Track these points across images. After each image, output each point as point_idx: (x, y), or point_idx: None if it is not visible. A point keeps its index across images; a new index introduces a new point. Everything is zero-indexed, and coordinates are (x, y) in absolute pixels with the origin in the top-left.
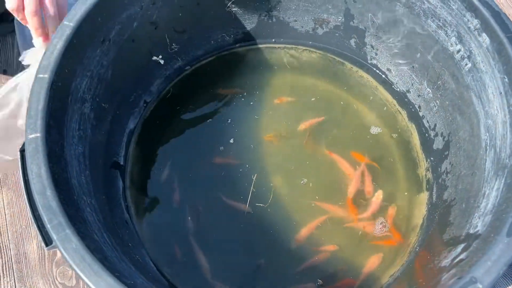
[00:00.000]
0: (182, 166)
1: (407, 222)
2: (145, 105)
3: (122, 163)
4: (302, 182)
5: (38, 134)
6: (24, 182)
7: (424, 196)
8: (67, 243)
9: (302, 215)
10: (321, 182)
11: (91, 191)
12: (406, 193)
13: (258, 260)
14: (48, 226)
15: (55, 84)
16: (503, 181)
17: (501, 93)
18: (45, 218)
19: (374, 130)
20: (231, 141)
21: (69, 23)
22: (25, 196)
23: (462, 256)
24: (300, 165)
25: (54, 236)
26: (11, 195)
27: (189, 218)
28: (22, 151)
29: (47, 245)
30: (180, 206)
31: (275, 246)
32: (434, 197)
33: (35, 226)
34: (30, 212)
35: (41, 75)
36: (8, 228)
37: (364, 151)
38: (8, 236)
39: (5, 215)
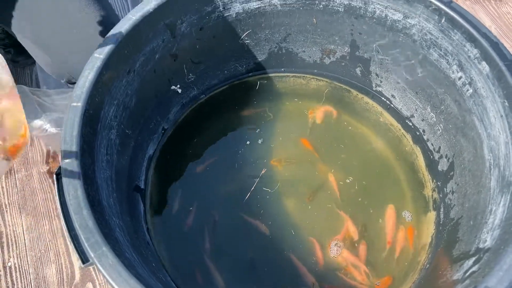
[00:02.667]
0: (197, 190)
1: (416, 241)
2: (163, 131)
3: (142, 186)
4: (314, 212)
5: (74, 158)
6: (60, 204)
7: (431, 215)
8: (104, 259)
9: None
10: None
11: (118, 212)
12: (414, 213)
13: (274, 279)
14: (86, 244)
15: (87, 112)
16: (508, 197)
17: (502, 116)
18: (82, 237)
19: (380, 154)
20: (242, 162)
21: (100, 56)
22: (62, 217)
23: (474, 268)
24: (310, 189)
25: (91, 253)
26: (30, 220)
27: (205, 239)
28: (58, 174)
29: (83, 262)
30: (196, 228)
31: (294, 266)
32: (441, 216)
33: (72, 245)
34: (66, 232)
35: (74, 104)
36: (27, 252)
37: (372, 174)
38: (27, 261)
39: (25, 240)
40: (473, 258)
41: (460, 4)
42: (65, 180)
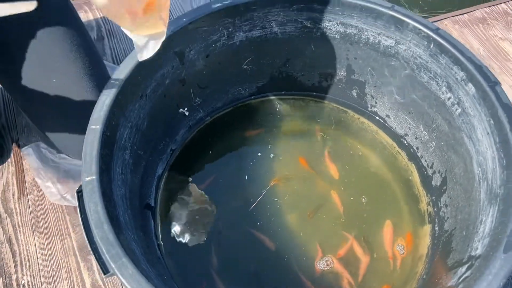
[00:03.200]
0: None
1: (414, 252)
2: (171, 152)
3: (152, 204)
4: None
5: (94, 177)
6: (81, 220)
7: (427, 228)
8: (124, 269)
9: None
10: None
11: (133, 228)
12: (411, 227)
13: None
14: (107, 255)
15: (105, 134)
16: (496, 208)
17: (488, 133)
18: (103, 249)
19: (377, 171)
20: (246, 179)
21: (116, 82)
22: (83, 231)
23: (467, 274)
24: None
25: (112, 264)
26: (42, 239)
27: (212, 254)
28: (79, 192)
29: (104, 273)
30: (203, 244)
31: (298, 280)
32: (436, 228)
33: (93, 256)
34: (88, 245)
35: (93, 126)
36: (40, 270)
37: (370, 190)
38: (40, 278)
39: (37, 258)
40: (466, 265)
41: (450, 28)
42: (86, 197)
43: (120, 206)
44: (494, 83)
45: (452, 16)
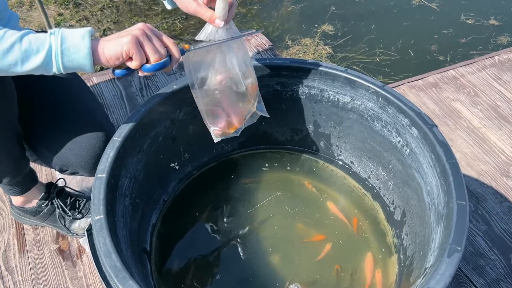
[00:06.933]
0: (191, 254)
1: (385, 281)
2: (163, 202)
3: (148, 249)
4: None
5: (102, 216)
6: (92, 253)
7: (394, 258)
8: None
9: None
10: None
11: (134, 263)
12: (381, 259)
13: None
14: (115, 280)
15: (109, 182)
16: (442, 225)
17: (431, 166)
18: (112, 275)
19: (348, 212)
20: (229, 229)
21: (118, 138)
22: (94, 263)
23: (423, 281)
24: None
25: (120, 286)
26: None
27: None
28: (88, 230)
29: None
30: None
31: None
32: (401, 256)
33: (103, 283)
34: (98, 273)
35: (100, 175)
36: None
37: (343, 230)
38: None
39: None
40: (423, 275)
41: (407, 92)
42: (95, 232)
43: (123, 244)
44: (431, 126)
45: (409, 82)
